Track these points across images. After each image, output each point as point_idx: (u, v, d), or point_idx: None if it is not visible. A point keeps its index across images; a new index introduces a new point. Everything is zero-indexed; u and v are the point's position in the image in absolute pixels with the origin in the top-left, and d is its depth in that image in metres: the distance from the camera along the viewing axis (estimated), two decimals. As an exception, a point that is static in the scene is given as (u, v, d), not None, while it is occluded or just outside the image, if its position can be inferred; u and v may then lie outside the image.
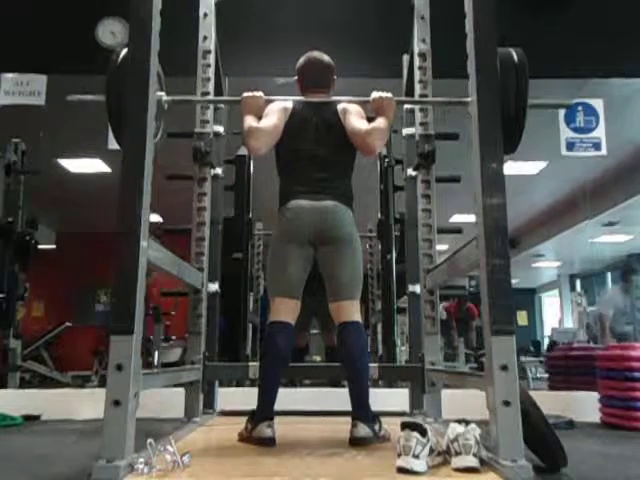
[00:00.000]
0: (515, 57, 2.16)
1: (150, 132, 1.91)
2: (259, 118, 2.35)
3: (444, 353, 6.50)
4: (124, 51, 2.12)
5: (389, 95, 2.38)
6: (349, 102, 2.45)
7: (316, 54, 2.55)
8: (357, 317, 2.31)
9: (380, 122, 2.31)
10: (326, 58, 2.55)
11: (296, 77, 2.55)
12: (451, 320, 7.64)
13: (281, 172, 2.45)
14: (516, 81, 2.12)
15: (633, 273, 5.61)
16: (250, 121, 2.30)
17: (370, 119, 2.36)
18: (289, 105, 2.42)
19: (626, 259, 5.74)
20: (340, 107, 2.43)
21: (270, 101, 2.42)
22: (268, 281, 2.48)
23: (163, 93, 2.32)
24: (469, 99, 2.05)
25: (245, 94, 2.40)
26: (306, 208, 2.31)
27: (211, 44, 3.13)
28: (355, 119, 2.35)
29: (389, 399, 3.19)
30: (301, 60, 2.55)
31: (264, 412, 2.20)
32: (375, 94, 2.39)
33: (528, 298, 14.69)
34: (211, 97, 3.07)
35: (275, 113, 2.36)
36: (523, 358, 7.34)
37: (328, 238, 2.30)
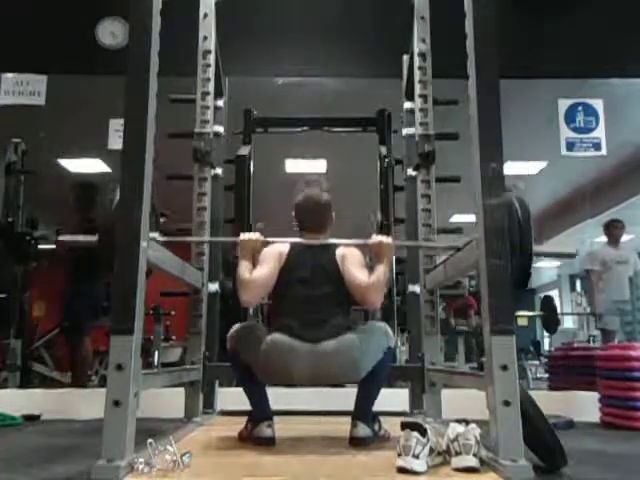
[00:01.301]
0: (519, 212, 2.20)
1: (150, 133, 1.91)
2: (254, 260, 2.28)
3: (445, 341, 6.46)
4: (117, 196, 2.06)
5: (389, 240, 2.30)
6: (348, 246, 2.36)
7: (314, 194, 2.42)
8: (391, 344, 2.29)
9: (379, 273, 2.22)
10: (324, 197, 2.42)
11: (293, 213, 2.45)
12: (449, 315, 7.61)
13: (274, 310, 2.38)
14: (520, 235, 2.16)
15: (615, 226, 5.45)
16: (243, 269, 2.22)
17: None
18: (285, 249, 2.33)
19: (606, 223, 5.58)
20: (339, 253, 2.34)
21: (268, 243, 2.33)
22: (233, 334, 2.30)
23: (157, 234, 2.28)
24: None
25: (242, 236, 2.32)
26: (296, 351, 2.12)
27: (211, 44, 3.13)
28: (355, 269, 2.26)
29: (389, 399, 3.17)
30: (299, 198, 2.43)
31: (263, 412, 2.21)
32: (375, 238, 2.31)
33: (528, 298, 14.68)
34: (211, 101, 3.05)
35: (269, 261, 2.28)
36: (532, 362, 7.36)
37: (335, 381, 2.31)
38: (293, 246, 2.36)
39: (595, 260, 5.35)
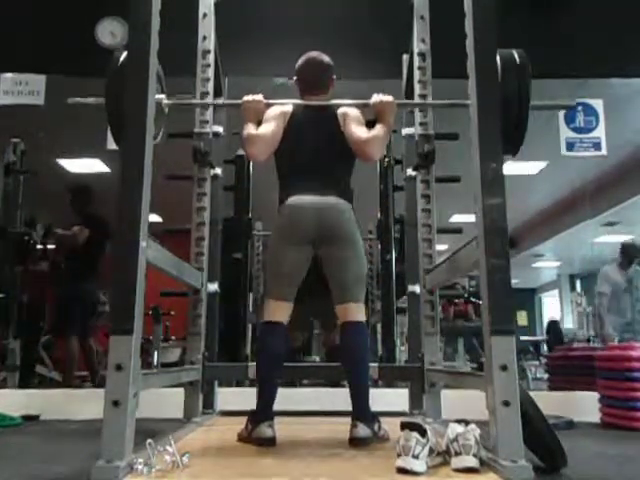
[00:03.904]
0: (517, 58, 2.15)
1: (150, 133, 1.91)
2: (259, 122, 2.34)
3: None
4: (124, 53, 2.11)
5: (390, 98, 2.36)
6: (349, 106, 2.42)
7: (315, 55, 2.52)
8: (361, 317, 2.31)
9: (379, 129, 2.29)
10: (325, 59, 2.52)
11: (295, 78, 2.52)
12: (449, 316, 7.61)
13: (280, 175, 2.44)
14: (517, 82, 2.11)
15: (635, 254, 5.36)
16: (249, 128, 2.30)
17: (370, 123, 2.34)
18: (288, 109, 2.40)
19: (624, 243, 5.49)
20: (340, 112, 2.40)
21: (270, 105, 2.40)
22: (266, 279, 2.46)
23: (163, 96, 2.31)
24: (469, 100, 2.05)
25: (245, 98, 2.39)
26: (306, 203, 2.28)
27: (211, 44, 3.13)
28: (354, 125, 2.33)
29: (389, 399, 3.19)
30: (299, 61, 2.52)
31: (264, 412, 2.21)
32: (375, 97, 2.37)
33: (528, 298, 14.69)
34: (210, 100, 3.07)
35: (274, 119, 2.35)
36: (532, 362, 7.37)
37: (330, 237, 2.28)
38: (296, 106, 2.42)
39: (606, 283, 5.32)
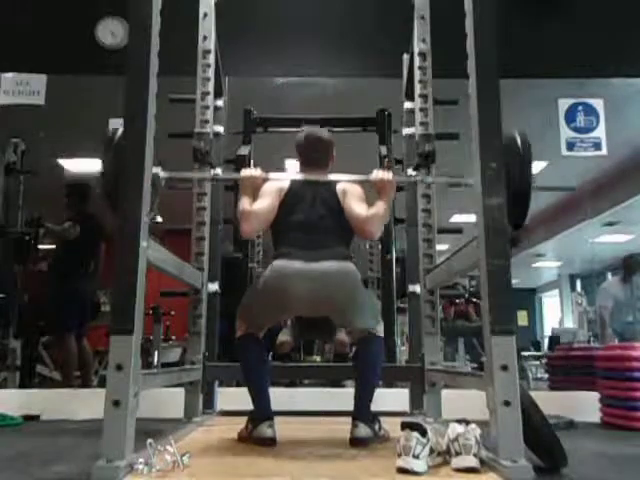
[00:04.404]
0: (519, 144, 2.17)
1: (150, 132, 1.91)
2: (255, 197, 2.30)
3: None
4: (119, 130, 2.07)
5: (390, 176, 2.30)
6: (349, 182, 2.38)
7: (315, 132, 2.50)
8: (380, 333, 2.30)
9: (379, 207, 2.24)
10: (325, 135, 2.48)
11: (296, 153, 2.48)
12: (449, 316, 7.60)
13: (274, 243, 2.36)
14: (520, 167, 2.13)
15: (636, 268, 5.37)
16: (244, 202, 2.25)
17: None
18: (285, 185, 2.35)
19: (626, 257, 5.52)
20: (339, 188, 2.36)
21: (268, 179, 2.35)
22: (242, 302, 2.35)
23: (159, 169, 2.28)
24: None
25: (243, 173, 2.35)
26: (294, 271, 2.15)
27: (211, 44, 3.13)
28: (355, 203, 2.29)
29: (389, 399, 3.18)
30: (300, 136, 2.48)
31: (264, 412, 2.21)
32: (376, 174, 2.31)
33: (528, 298, 14.68)
34: (210, 100, 3.05)
35: (270, 195, 2.31)
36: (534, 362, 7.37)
37: (329, 308, 2.23)
38: (293, 182, 2.39)
39: (608, 297, 5.33)
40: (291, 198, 2.32)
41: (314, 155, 2.45)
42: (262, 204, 2.28)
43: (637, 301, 4.98)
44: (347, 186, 2.36)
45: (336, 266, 2.19)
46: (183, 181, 2.94)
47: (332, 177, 2.41)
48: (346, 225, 2.30)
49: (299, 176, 2.42)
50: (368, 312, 2.27)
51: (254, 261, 4.63)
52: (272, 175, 2.37)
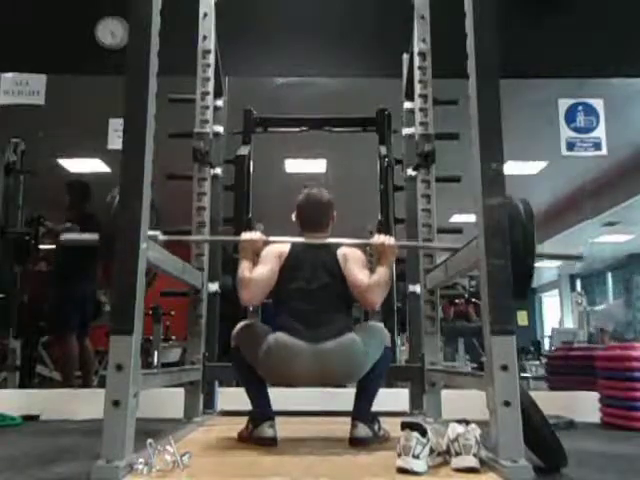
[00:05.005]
0: (522, 213, 2.18)
1: (150, 132, 1.91)
2: (255, 261, 2.28)
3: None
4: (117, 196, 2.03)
5: (392, 241, 2.30)
6: (350, 246, 2.37)
7: (315, 193, 2.47)
8: (388, 344, 2.30)
9: (381, 274, 2.22)
10: (325, 197, 2.46)
11: (295, 214, 2.47)
12: (449, 316, 7.60)
13: (275, 309, 2.34)
14: (523, 237, 2.14)
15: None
16: (244, 269, 2.23)
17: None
18: (285, 249, 2.33)
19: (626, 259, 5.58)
20: (340, 252, 2.34)
21: (268, 242, 2.34)
22: (237, 333, 2.31)
23: (158, 232, 2.28)
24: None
25: (243, 236, 2.33)
26: (299, 351, 2.13)
27: (211, 44, 3.13)
28: (357, 269, 2.27)
29: (389, 399, 3.18)
30: (301, 197, 2.47)
31: (264, 412, 2.21)
32: (377, 238, 2.31)
33: (528, 298, 14.68)
34: (210, 100, 3.05)
35: (270, 260, 2.29)
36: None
37: (334, 382, 2.41)
38: (294, 245, 2.36)
39: (610, 321, 5.35)
40: (292, 262, 2.30)
41: (315, 218, 2.43)
42: (262, 270, 2.25)
43: (637, 300, 4.99)
44: (348, 251, 2.34)
45: (338, 347, 2.15)
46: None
47: (333, 240, 2.39)
48: (347, 292, 2.28)
49: (300, 240, 2.40)
50: (373, 359, 2.23)
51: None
52: (272, 238, 2.35)
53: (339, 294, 2.28)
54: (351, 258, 2.31)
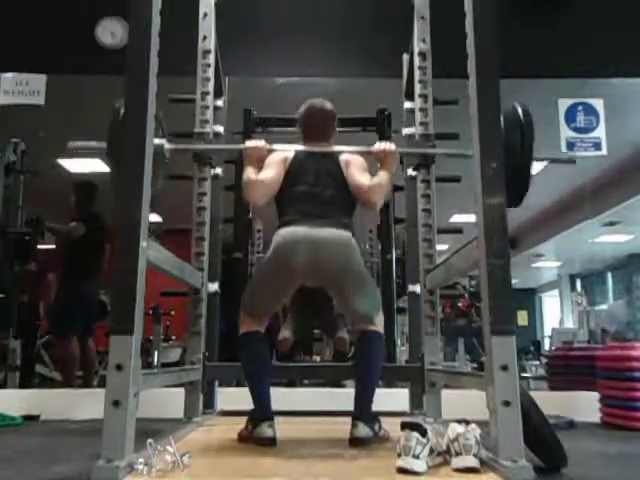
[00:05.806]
0: (520, 114, 2.16)
1: (150, 132, 1.91)
2: (260, 167, 2.33)
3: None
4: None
5: (392, 147, 2.36)
6: (351, 153, 2.42)
7: (317, 103, 2.50)
8: (380, 329, 2.32)
9: (382, 177, 2.30)
10: (327, 106, 2.50)
11: (297, 124, 2.51)
12: (449, 316, 7.60)
13: (280, 215, 2.38)
14: (521, 138, 2.13)
15: None
16: (250, 172, 2.29)
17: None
18: (290, 155, 2.39)
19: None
20: (342, 158, 2.39)
21: (272, 150, 2.40)
22: (245, 292, 2.40)
23: (164, 140, 2.29)
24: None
25: (247, 143, 2.39)
26: (300, 236, 2.21)
27: (211, 44, 3.13)
28: (358, 173, 2.33)
29: (389, 399, 3.18)
30: (302, 108, 2.50)
31: (264, 412, 2.21)
32: (378, 145, 2.36)
33: (528, 298, 14.68)
34: (210, 100, 3.06)
35: (275, 165, 2.35)
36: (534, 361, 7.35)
37: (329, 276, 2.26)
38: (298, 153, 2.42)
39: (613, 323, 5.35)
40: (296, 168, 2.36)
41: (318, 128, 2.48)
42: (268, 173, 2.32)
43: (637, 300, 4.99)
44: (350, 157, 2.40)
45: (337, 233, 2.24)
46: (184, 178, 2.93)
47: (335, 148, 2.45)
48: (349, 196, 2.34)
49: (303, 147, 2.45)
50: (367, 292, 2.30)
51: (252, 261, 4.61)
52: (276, 146, 2.42)
53: (341, 198, 2.34)
54: (353, 164, 2.37)
